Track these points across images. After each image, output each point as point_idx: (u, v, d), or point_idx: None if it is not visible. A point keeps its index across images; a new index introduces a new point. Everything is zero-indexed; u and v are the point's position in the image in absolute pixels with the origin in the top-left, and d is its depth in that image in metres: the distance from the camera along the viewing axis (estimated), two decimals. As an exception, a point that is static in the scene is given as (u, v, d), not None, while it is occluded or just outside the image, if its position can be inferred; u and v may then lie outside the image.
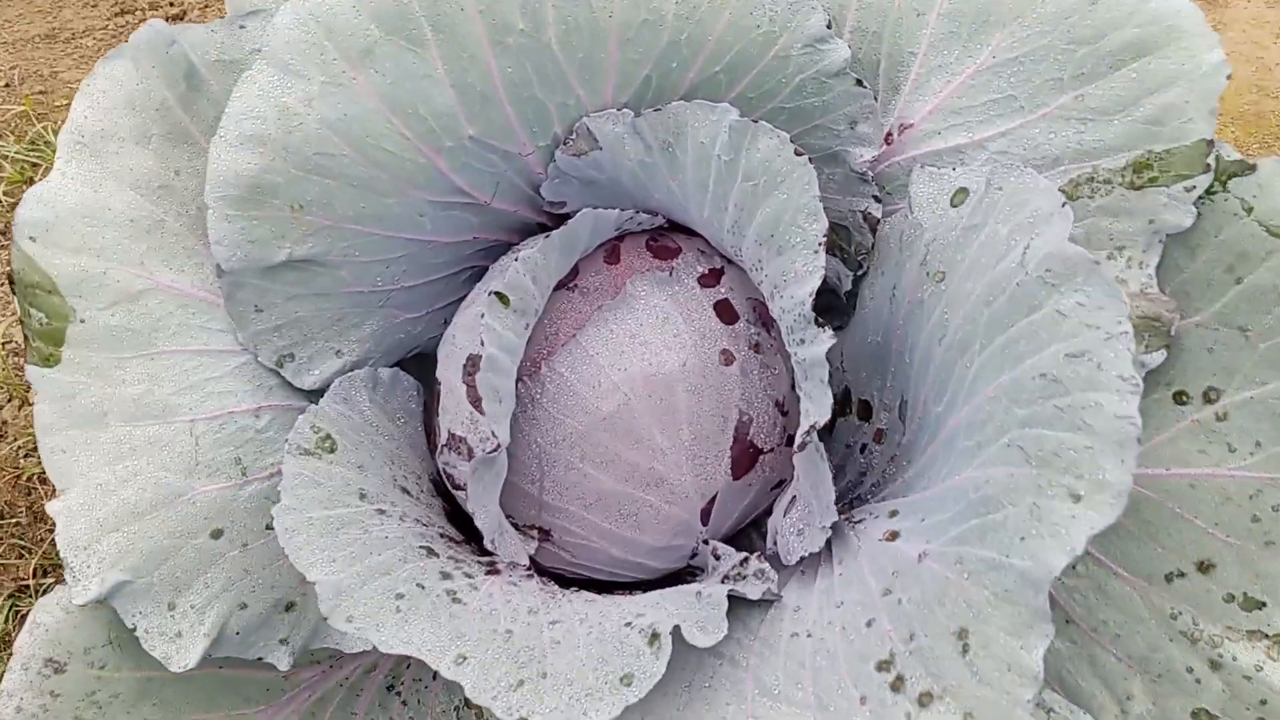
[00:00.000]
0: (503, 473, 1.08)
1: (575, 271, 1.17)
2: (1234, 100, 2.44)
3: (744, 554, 1.14)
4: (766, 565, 1.12)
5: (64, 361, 1.11)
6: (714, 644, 0.99)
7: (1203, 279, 1.09)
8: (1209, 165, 1.05)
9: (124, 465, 1.09)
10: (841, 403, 1.23)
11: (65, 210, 1.13)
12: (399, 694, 1.27)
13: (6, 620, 1.72)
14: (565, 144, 1.16)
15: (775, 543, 1.15)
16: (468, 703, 1.22)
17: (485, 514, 1.09)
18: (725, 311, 1.15)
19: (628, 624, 1.01)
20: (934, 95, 1.18)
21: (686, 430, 1.10)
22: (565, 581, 1.20)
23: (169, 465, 1.10)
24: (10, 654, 1.16)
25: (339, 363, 1.21)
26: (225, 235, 1.10)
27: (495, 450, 1.04)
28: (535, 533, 1.16)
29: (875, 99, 1.15)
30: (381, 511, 1.09)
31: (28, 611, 1.62)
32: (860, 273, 1.21)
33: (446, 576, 1.05)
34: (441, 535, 1.14)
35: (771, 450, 1.17)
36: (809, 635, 1.01)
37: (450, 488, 1.21)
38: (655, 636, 0.98)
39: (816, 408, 1.00)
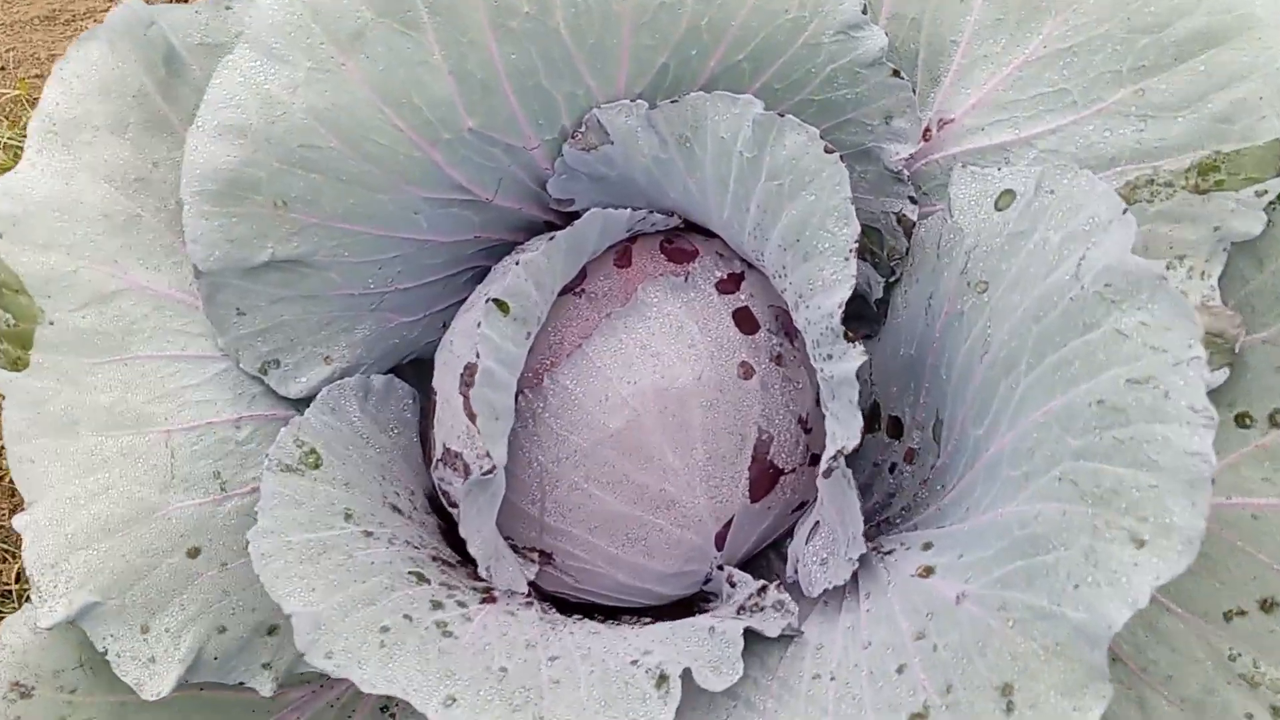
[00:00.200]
0: (499, 495, 1.02)
1: (583, 275, 1.11)
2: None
3: (761, 582, 1.08)
4: (786, 596, 1.05)
5: (33, 366, 1.06)
6: (728, 687, 0.93)
7: (1271, 291, 1.01)
8: (1283, 168, 0.97)
9: (95, 478, 1.05)
10: (870, 418, 1.15)
11: (34, 204, 1.08)
12: (393, 716, 1.22)
13: (-8, 624, 1.65)
14: (574, 137, 1.09)
15: (796, 571, 1.08)
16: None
17: (480, 539, 1.02)
18: (745, 320, 1.08)
19: (634, 662, 0.95)
20: (978, 88, 1.10)
21: (701, 449, 1.04)
22: (568, 606, 1.14)
23: (143, 479, 1.06)
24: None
25: (328, 370, 1.15)
26: (203, 233, 1.03)
27: (490, 472, 0.97)
28: (536, 555, 1.11)
29: (913, 91, 1.06)
30: (369, 534, 1.03)
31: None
32: (892, 279, 1.14)
33: (437, 606, 0.99)
34: (434, 558, 1.08)
35: (793, 471, 1.10)
36: (832, 678, 0.94)
37: (446, 504, 1.14)
38: (663, 679, 0.92)
39: (844, 430, 0.92)
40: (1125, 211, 0.85)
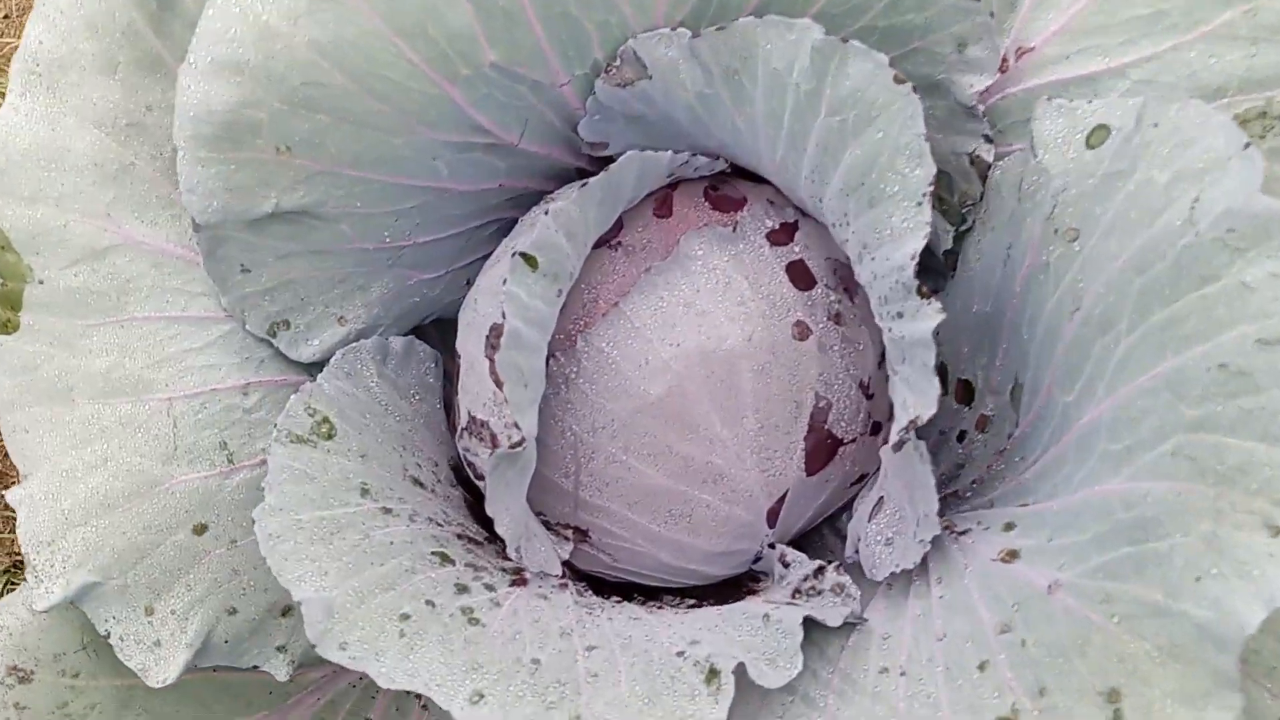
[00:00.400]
0: (529, 469, 0.94)
1: (619, 226, 1.02)
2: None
3: (818, 562, 1.00)
4: (847, 579, 0.97)
5: (23, 328, 1.02)
6: (787, 683, 0.85)
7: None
8: None
9: (92, 449, 1.00)
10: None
11: (18, 152, 1.02)
12: (419, 697, 1.18)
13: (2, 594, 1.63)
14: (607, 72, 0.99)
15: (857, 551, 1.00)
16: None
17: (509, 517, 0.95)
18: (800, 275, 1.00)
19: (680, 653, 0.88)
20: (1061, 12, 1.00)
21: (751, 417, 0.96)
22: (604, 586, 1.08)
23: (143, 450, 1.01)
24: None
25: (342, 331, 1.08)
26: (199, 182, 0.95)
27: (519, 444, 0.90)
28: (570, 533, 1.04)
29: (990, 15, 0.95)
30: (387, 510, 0.96)
31: (21, 591, 1.52)
32: (963, 228, 1.04)
33: (463, 590, 0.92)
34: (460, 536, 1.01)
35: (853, 441, 1.02)
36: (903, 673, 0.86)
37: (473, 476, 1.08)
38: (714, 673, 0.85)
39: (918, 398, 0.83)
40: (1248, 145, 0.74)
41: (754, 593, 1.04)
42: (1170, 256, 0.76)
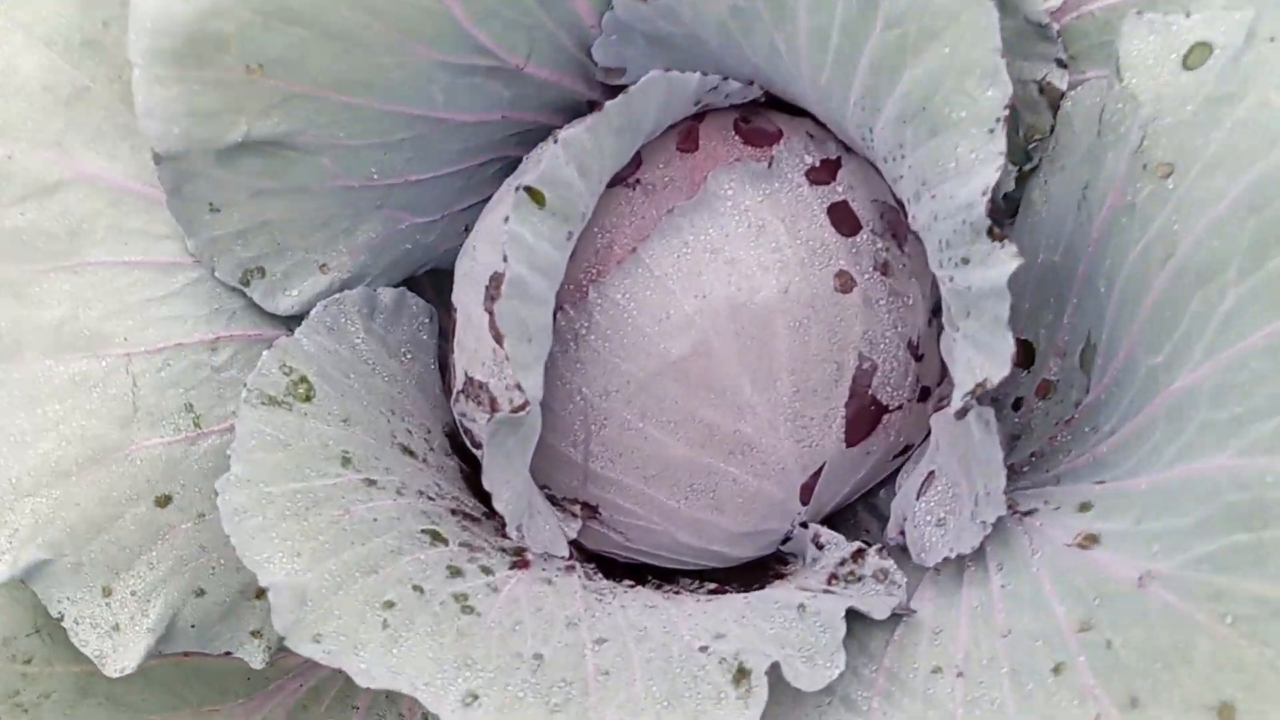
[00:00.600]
0: (532, 437, 0.87)
1: (637, 161, 0.94)
2: None
3: (857, 544, 0.92)
4: (890, 564, 0.89)
5: None
6: (827, 685, 0.77)
7: None
8: None
9: (43, 410, 0.94)
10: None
11: None
12: None
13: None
14: None
15: (902, 532, 0.92)
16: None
17: (509, 492, 0.87)
18: (843, 218, 0.91)
19: (703, 648, 0.80)
20: None
21: (786, 380, 0.89)
22: (615, 567, 1.01)
23: (100, 412, 0.95)
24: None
25: (324, 280, 1.01)
26: (158, 105, 0.86)
27: (522, 408, 0.81)
28: (578, 509, 0.97)
29: (1067, -84, 0.85)
30: (371, 482, 0.88)
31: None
32: (1028, 167, 0.95)
33: (456, 574, 0.84)
34: (454, 511, 0.93)
35: (899, 408, 0.93)
36: (959, 674, 0.77)
37: (470, 444, 1.00)
38: (743, 673, 0.76)
39: (987, 358, 0.74)
40: (1392, 60, 0.63)
41: (781, 576, 0.97)
42: (1293, 194, 0.66)
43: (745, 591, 0.92)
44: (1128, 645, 0.68)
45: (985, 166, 0.72)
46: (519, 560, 0.90)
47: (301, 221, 0.97)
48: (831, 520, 1.02)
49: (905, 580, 0.87)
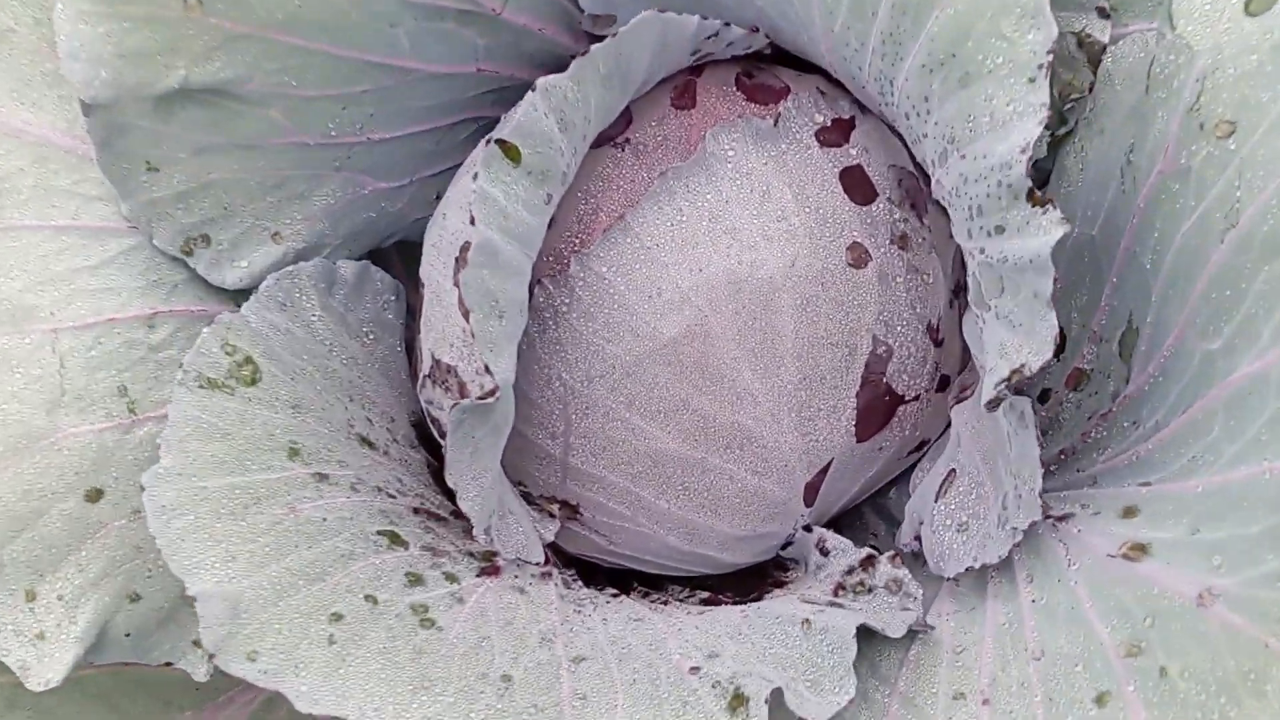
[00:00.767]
0: (504, 427, 0.81)
1: (627, 118, 0.90)
2: None
3: (867, 551, 0.88)
4: (904, 573, 0.83)
5: None
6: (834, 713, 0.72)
7: None
8: None
9: None
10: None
11: None
12: None
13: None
14: None
15: (918, 537, 0.86)
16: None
17: (476, 489, 0.81)
18: (857, 185, 0.86)
19: (694, 669, 0.75)
20: None
21: (791, 366, 0.85)
22: (596, 572, 0.99)
23: (22, 395, 0.90)
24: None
25: (277, 250, 0.96)
26: (83, 45, 0.81)
27: (491, 394, 0.75)
28: (557, 509, 0.93)
29: None
30: (322, 477, 0.83)
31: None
32: (1064, 130, 0.89)
33: (416, 581, 0.80)
34: (417, 510, 0.88)
35: (916, 398, 0.88)
36: (985, 701, 0.72)
37: (437, 435, 0.94)
38: (739, 700, 0.72)
39: (1025, 340, 0.69)
40: None
41: (781, 585, 0.93)
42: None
43: (742, 602, 0.88)
44: (1186, 673, 0.62)
45: (1025, 120, 0.66)
46: (489, 566, 0.84)
47: (250, 183, 0.92)
48: (836, 523, 0.97)
49: (922, 592, 0.81)
